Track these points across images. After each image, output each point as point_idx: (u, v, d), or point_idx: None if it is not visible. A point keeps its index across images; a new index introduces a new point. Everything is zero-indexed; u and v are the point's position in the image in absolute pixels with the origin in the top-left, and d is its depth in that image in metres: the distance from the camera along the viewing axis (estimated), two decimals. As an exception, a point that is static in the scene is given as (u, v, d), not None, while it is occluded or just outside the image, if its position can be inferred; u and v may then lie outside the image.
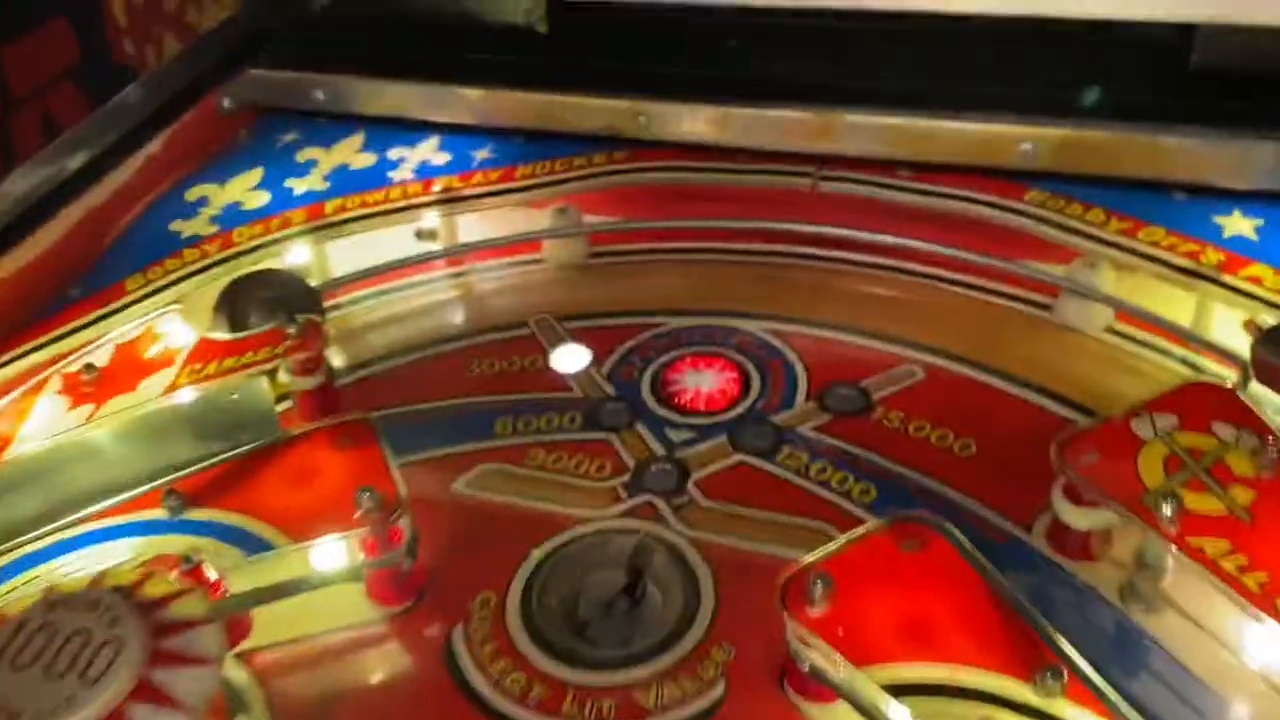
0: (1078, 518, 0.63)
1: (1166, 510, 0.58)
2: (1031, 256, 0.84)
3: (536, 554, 0.67)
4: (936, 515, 0.60)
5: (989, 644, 0.54)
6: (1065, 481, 0.63)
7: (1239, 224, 0.80)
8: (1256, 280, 0.75)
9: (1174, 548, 0.57)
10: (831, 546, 0.59)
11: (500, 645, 0.62)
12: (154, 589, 0.55)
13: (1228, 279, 0.76)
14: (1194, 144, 0.81)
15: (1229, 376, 0.71)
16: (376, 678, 0.63)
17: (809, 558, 0.58)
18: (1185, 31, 0.85)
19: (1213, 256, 0.78)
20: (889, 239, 0.87)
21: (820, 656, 0.55)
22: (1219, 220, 0.81)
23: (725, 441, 0.75)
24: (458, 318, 0.92)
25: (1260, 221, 0.80)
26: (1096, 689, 0.51)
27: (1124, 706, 0.51)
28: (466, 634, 0.63)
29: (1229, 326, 0.76)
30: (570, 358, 0.83)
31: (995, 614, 0.55)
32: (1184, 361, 0.78)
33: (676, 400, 0.78)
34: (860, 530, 0.60)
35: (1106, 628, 0.62)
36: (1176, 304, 0.79)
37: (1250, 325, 0.75)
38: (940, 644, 0.54)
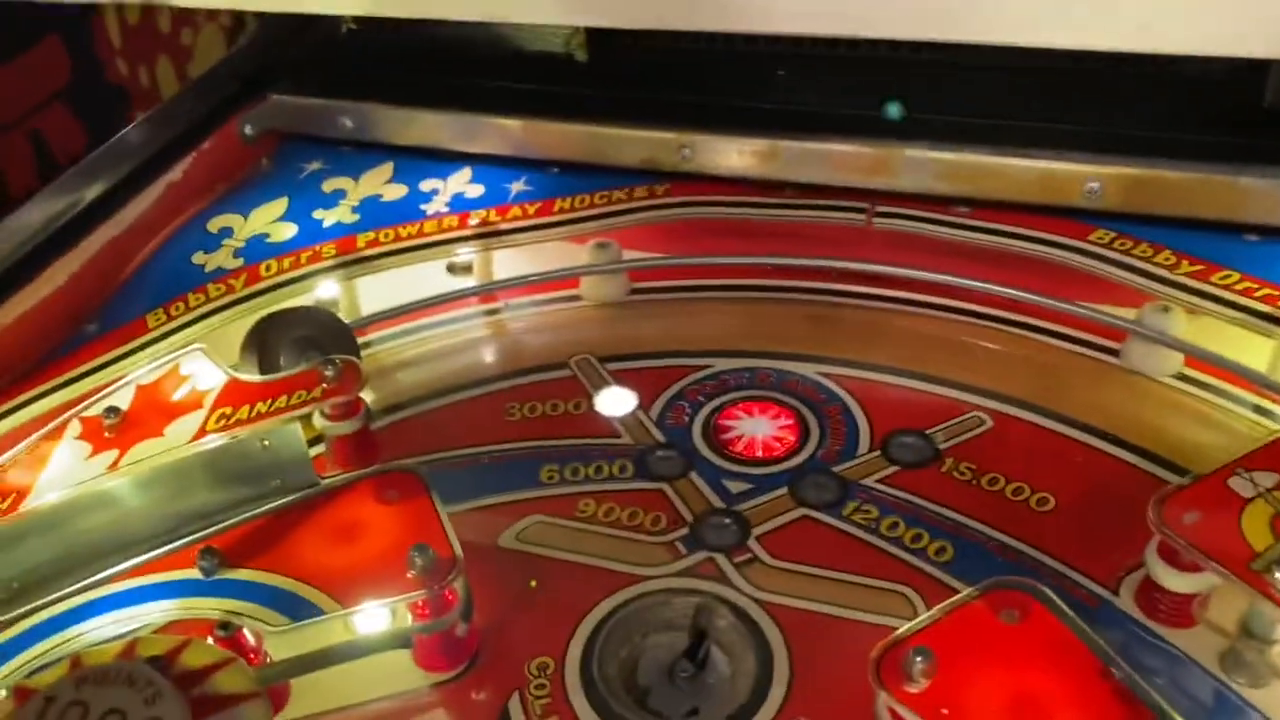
0: (1177, 581, 0.60)
1: (1280, 576, 0.54)
2: (1097, 299, 0.81)
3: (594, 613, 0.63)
4: (1032, 580, 0.56)
5: (1101, 723, 0.50)
6: (1161, 542, 0.60)
7: (1315, 267, 0.77)
8: (1336, 326, 0.72)
9: (1287, 617, 0.54)
10: (925, 617, 0.55)
11: (562, 717, 0.58)
12: (193, 659, 0.52)
13: (1307, 325, 0.73)
14: (1267, 184, 0.78)
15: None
16: (426, 752, 0.59)
17: (903, 629, 0.54)
18: (1258, 68, 0.82)
19: (1292, 301, 0.75)
20: (947, 278, 0.83)
21: (921, 739, 0.51)
22: (1295, 263, 0.78)
23: (786, 493, 0.71)
24: (494, 357, 0.88)
25: (1337, 264, 0.77)
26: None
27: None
28: (524, 703, 0.59)
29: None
30: (616, 400, 0.79)
31: (1106, 691, 0.52)
32: (1257, 409, 0.75)
33: (731, 448, 0.75)
34: (954, 600, 0.56)
35: (1205, 699, 0.59)
36: (1250, 349, 0.76)
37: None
38: (1048, 723, 0.50)
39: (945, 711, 0.51)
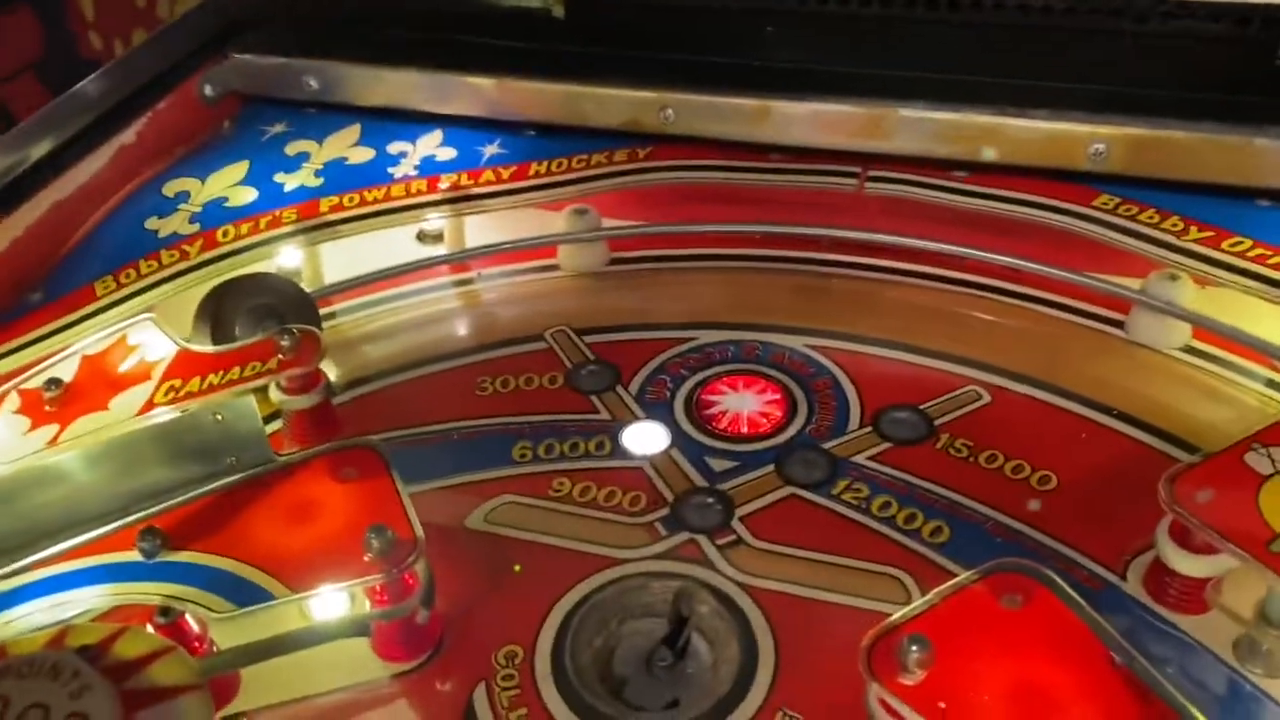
0: (1190, 564, 0.57)
1: (1304, 559, 0.50)
2: (1101, 268, 0.78)
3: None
4: (1035, 563, 0.53)
5: (1111, 715, 0.47)
6: (1173, 522, 0.56)
7: (1332, 233, 0.74)
8: (1355, 294, 0.69)
9: (1311, 602, 0.51)
10: (920, 602, 0.51)
11: (531, 710, 0.55)
12: (127, 649, 0.48)
13: (1325, 293, 0.70)
14: (1280, 145, 0.75)
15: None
16: (385, 746, 0.56)
17: (896, 615, 0.50)
18: (1271, 24, 0.78)
19: (1309, 269, 0.71)
20: (943, 246, 0.80)
21: (917, 734, 0.47)
22: (1310, 229, 0.74)
23: (773, 471, 0.67)
24: (465, 329, 0.84)
25: (1354, 230, 0.74)
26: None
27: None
28: (490, 695, 0.55)
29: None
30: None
31: (1117, 682, 0.48)
32: (1270, 383, 0.72)
33: (715, 424, 0.71)
34: (951, 584, 0.52)
35: (1219, 689, 0.55)
36: (1261, 319, 0.73)
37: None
38: (1053, 716, 0.47)
39: (942, 705, 0.47)
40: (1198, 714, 0.46)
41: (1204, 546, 0.55)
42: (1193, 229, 0.76)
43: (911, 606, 0.51)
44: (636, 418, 0.72)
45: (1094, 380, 0.72)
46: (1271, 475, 0.56)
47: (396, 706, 0.57)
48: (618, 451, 0.69)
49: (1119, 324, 0.77)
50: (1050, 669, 0.48)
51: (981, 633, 0.50)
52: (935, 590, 0.52)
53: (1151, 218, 0.78)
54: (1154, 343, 0.75)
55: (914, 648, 0.47)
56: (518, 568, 0.62)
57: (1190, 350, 0.75)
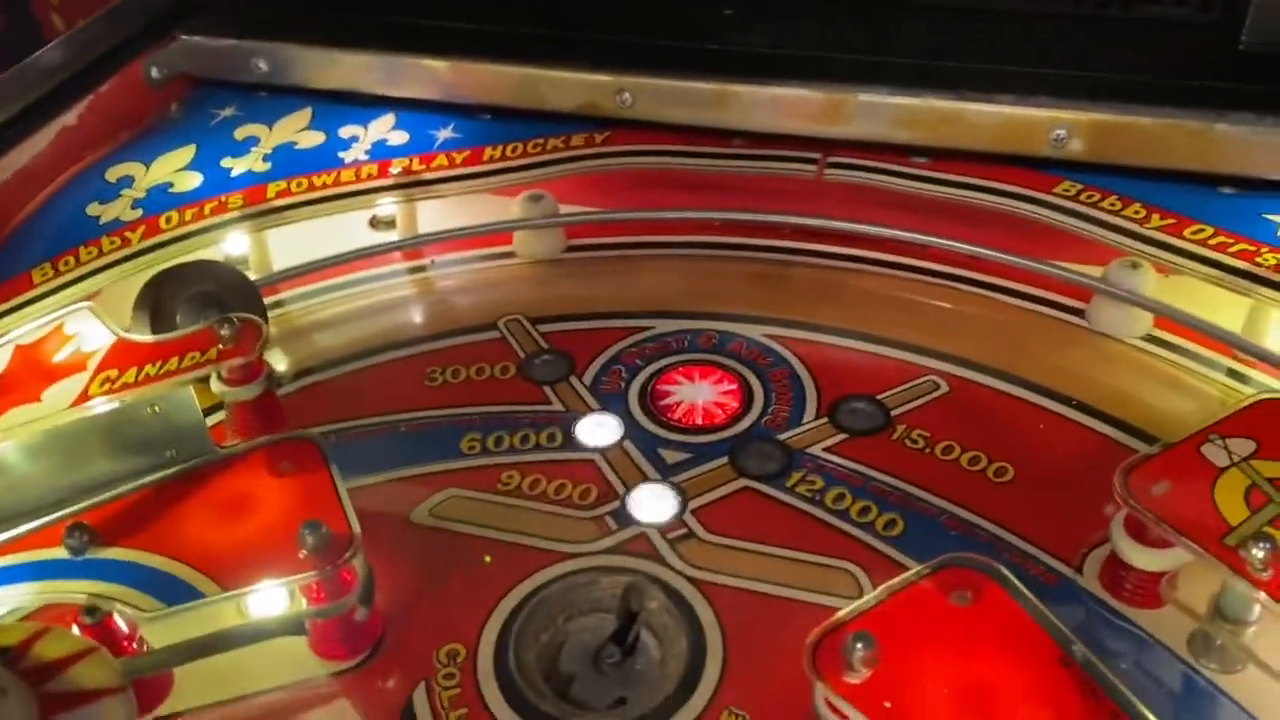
0: (1144, 558, 0.56)
1: (1257, 554, 0.50)
2: (1062, 255, 0.77)
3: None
4: (986, 558, 0.52)
5: (1060, 713, 0.46)
6: (1128, 515, 0.55)
7: (1294, 221, 0.73)
8: (1317, 284, 0.68)
9: (1264, 596, 0.50)
10: (867, 599, 0.50)
11: (472, 709, 0.53)
12: (48, 650, 0.47)
13: (1284, 281, 0.69)
14: (1244, 132, 0.75)
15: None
16: (323, 748, 0.54)
17: (843, 612, 0.49)
18: (1234, 9, 0.77)
19: (1270, 258, 0.70)
20: (903, 234, 0.79)
21: (862, 735, 0.46)
22: (1272, 217, 0.73)
23: (726, 464, 0.66)
24: (417, 318, 0.82)
25: (1317, 219, 0.73)
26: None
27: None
28: (430, 695, 0.54)
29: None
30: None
31: (1067, 680, 0.47)
32: (1231, 373, 0.72)
33: (669, 415, 0.70)
34: (900, 579, 0.51)
35: (1173, 685, 0.55)
36: (1221, 308, 0.73)
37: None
38: (1003, 716, 0.46)
39: (888, 705, 0.46)
40: (1147, 712, 0.45)
41: (1159, 540, 0.55)
42: (1155, 216, 0.75)
43: (858, 603, 0.50)
44: (590, 409, 0.70)
45: (1054, 370, 0.72)
46: (1227, 468, 0.56)
47: (334, 706, 0.55)
48: (569, 444, 0.68)
49: (1080, 313, 0.76)
50: (999, 667, 0.48)
51: (929, 630, 0.49)
52: (883, 586, 0.51)
53: (1113, 204, 0.77)
54: (1115, 331, 0.74)
55: (859, 646, 0.46)
56: (488, 558, 0.61)
57: (1152, 339, 0.74)
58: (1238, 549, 0.51)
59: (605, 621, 0.59)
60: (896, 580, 0.51)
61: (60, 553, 0.55)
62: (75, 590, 0.53)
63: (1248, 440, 0.57)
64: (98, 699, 0.46)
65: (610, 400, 0.71)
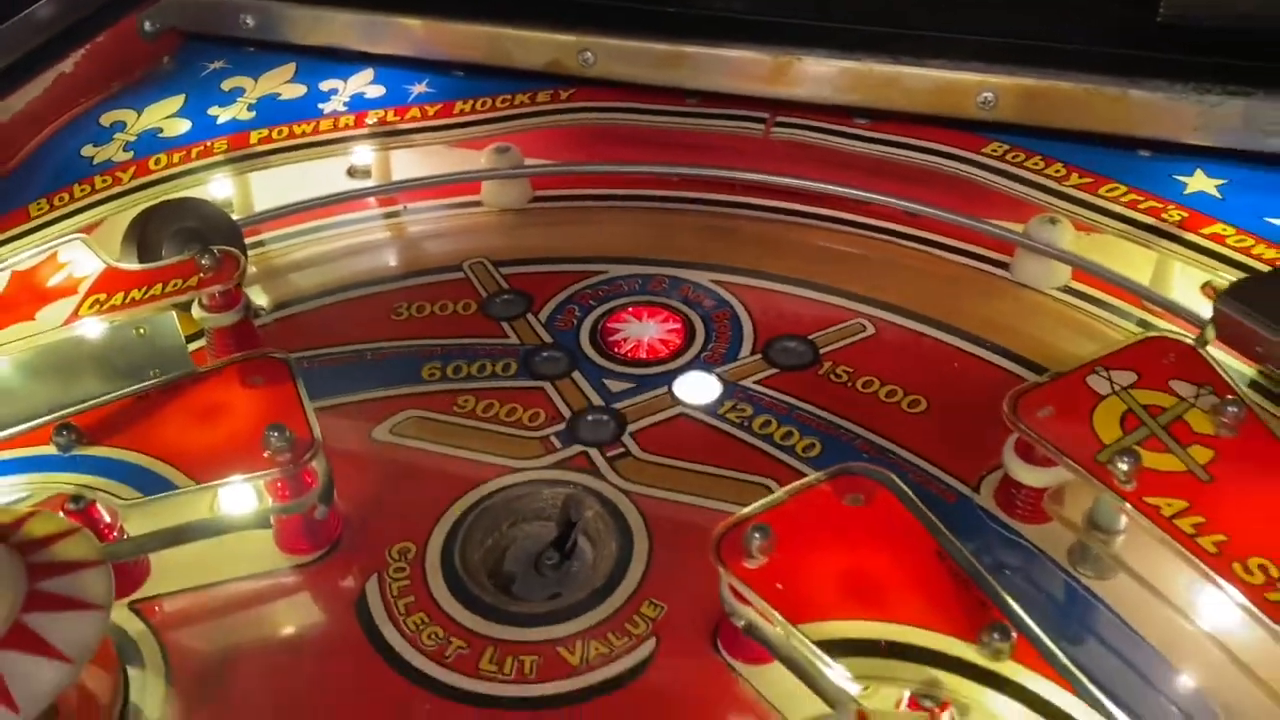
0: (1030, 475, 0.61)
1: (1122, 467, 0.55)
2: (989, 212, 0.81)
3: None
4: (879, 467, 0.57)
5: (934, 603, 0.51)
6: (1018, 438, 0.61)
7: (1201, 182, 0.77)
8: (1219, 239, 0.73)
9: (1128, 506, 0.55)
10: (770, 498, 0.56)
11: (418, 598, 0.59)
12: (36, 528, 0.51)
13: (1189, 237, 0.73)
14: (1159, 98, 0.78)
15: (1188, 337, 0.69)
16: (283, 631, 0.59)
17: (747, 509, 0.55)
18: (1154, -18, 0.82)
19: (1175, 214, 0.75)
20: (844, 190, 0.84)
21: (755, 612, 0.51)
22: (1181, 178, 0.78)
23: (665, 393, 0.71)
24: (388, 260, 0.87)
25: (1223, 180, 0.77)
26: (1045, 650, 0.48)
27: (1072, 669, 0.48)
28: (382, 585, 0.59)
29: (1189, 286, 0.74)
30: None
31: (941, 572, 0.52)
32: (1142, 322, 0.76)
33: (616, 350, 0.75)
34: (801, 482, 0.57)
35: (1055, 591, 0.60)
36: (1135, 262, 0.77)
37: (1208, 289, 0.73)
38: (883, 602, 0.51)
39: (779, 586, 0.51)
40: (1009, 599, 0.51)
41: (1044, 459, 0.59)
42: (1074, 175, 0.79)
43: (761, 501, 0.55)
44: (544, 343, 0.75)
45: (977, 317, 0.76)
46: (1108, 395, 0.61)
47: (297, 595, 0.60)
48: (522, 372, 0.73)
49: (1006, 265, 0.80)
50: (882, 558, 0.53)
51: (823, 525, 0.54)
52: (785, 488, 0.56)
53: (1036, 164, 0.80)
54: (1035, 283, 0.79)
55: (757, 535, 0.52)
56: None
57: (1070, 290, 0.79)
58: (1106, 464, 0.56)
59: (546, 530, 0.63)
60: (798, 483, 0.56)
61: (50, 449, 0.60)
62: (63, 482, 0.58)
63: (1130, 373, 0.61)
64: (79, 570, 0.51)
65: (562, 335, 0.76)
